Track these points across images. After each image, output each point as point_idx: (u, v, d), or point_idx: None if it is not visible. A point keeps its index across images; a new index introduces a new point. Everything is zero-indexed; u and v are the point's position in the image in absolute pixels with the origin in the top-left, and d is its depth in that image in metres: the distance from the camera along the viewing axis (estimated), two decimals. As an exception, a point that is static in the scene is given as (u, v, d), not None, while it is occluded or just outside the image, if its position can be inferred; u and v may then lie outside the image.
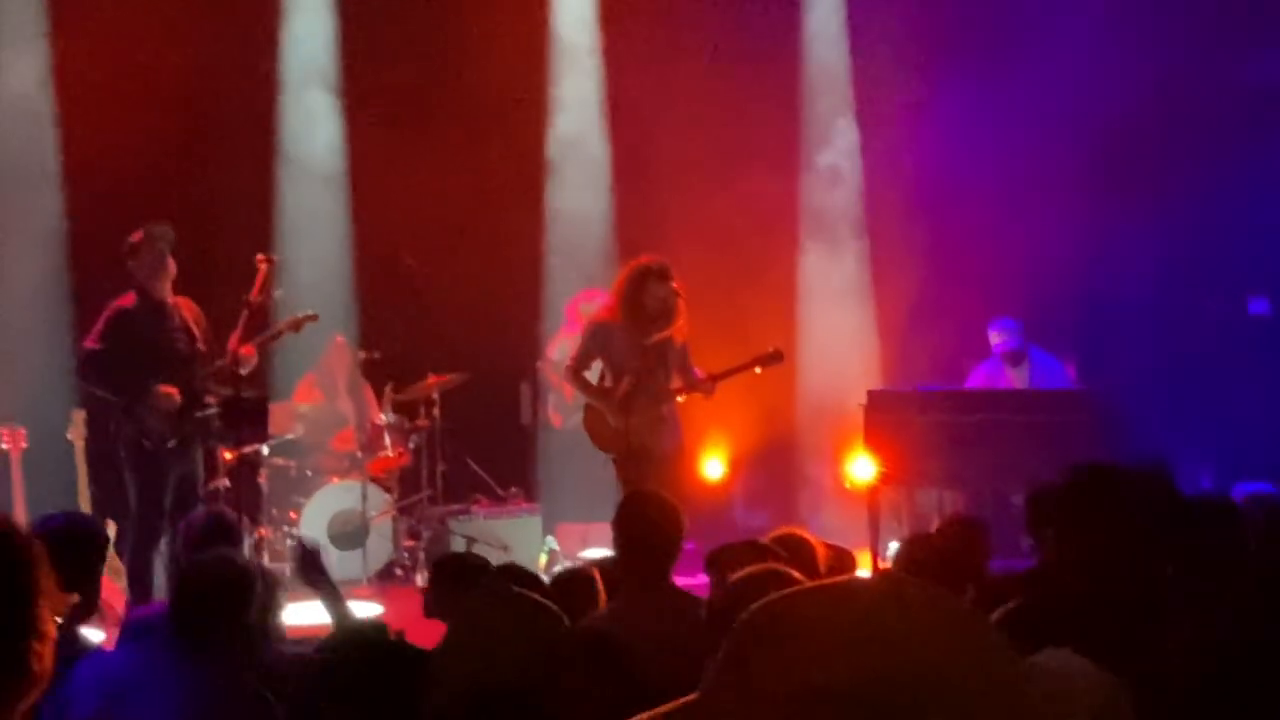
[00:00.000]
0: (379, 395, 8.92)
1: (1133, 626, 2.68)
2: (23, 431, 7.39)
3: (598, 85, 9.77)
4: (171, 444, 6.71)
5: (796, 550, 3.92)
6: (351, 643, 2.88)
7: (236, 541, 4.30)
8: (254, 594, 3.53)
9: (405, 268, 8.33)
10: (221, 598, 3.45)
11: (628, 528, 4.03)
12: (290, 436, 8.59)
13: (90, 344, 6.82)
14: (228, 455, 7.87)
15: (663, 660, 3.40)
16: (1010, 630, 2.65)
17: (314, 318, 7.32)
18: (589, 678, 2.95)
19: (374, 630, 3.46)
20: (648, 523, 3.97)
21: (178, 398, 6.75)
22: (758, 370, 7.11)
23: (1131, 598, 2.74)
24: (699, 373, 6.99)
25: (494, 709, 2.52)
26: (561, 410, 9.09)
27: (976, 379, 8.81)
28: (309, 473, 8.61)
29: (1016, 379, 8.67)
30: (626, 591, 3.95)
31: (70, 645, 3.32)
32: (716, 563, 3.65)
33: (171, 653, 3.40)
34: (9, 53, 8.75)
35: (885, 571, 3.05)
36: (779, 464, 9.97)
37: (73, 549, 3.58)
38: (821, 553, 4.17)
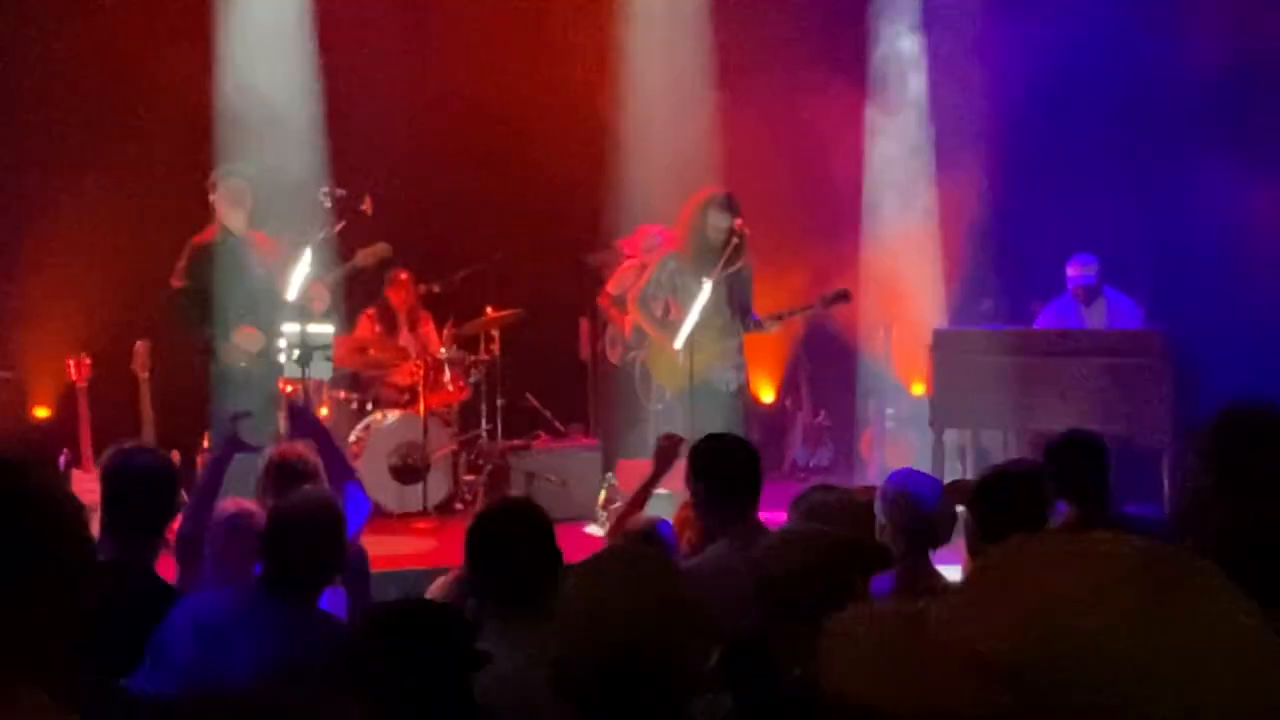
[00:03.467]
0: (440, 329, 8.91)
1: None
2: (88, 362, 7.44)
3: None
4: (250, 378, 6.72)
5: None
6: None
7: (312, 478, 4.21)
8: (345, 534, 3.47)
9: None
10: (316, 541, 3.39)
11: (710, 470, 3.95)
12: (351, 369, 8.61)
13: (175, 282, 6.85)
14: (288, 389, 7.91)
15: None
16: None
17: (389, 252, 7.49)
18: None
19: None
20: (730, 465, 3.93)
21: (260, 338, 6.77)
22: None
23: None
24: (758, 315, 6.87)
25: (619, 665, 2.48)
26: (619, 346, 9.01)
27: (1047, 316, 8.61)
28: (369, 406, 8.63)
29: (1089, 317, 8.47)
30: (710, 534, 3.91)
31: None
32: (798, 506, 3.62)
33: (266, 596, 3.37)
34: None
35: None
36: (840, 403, 9.88)
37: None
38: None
